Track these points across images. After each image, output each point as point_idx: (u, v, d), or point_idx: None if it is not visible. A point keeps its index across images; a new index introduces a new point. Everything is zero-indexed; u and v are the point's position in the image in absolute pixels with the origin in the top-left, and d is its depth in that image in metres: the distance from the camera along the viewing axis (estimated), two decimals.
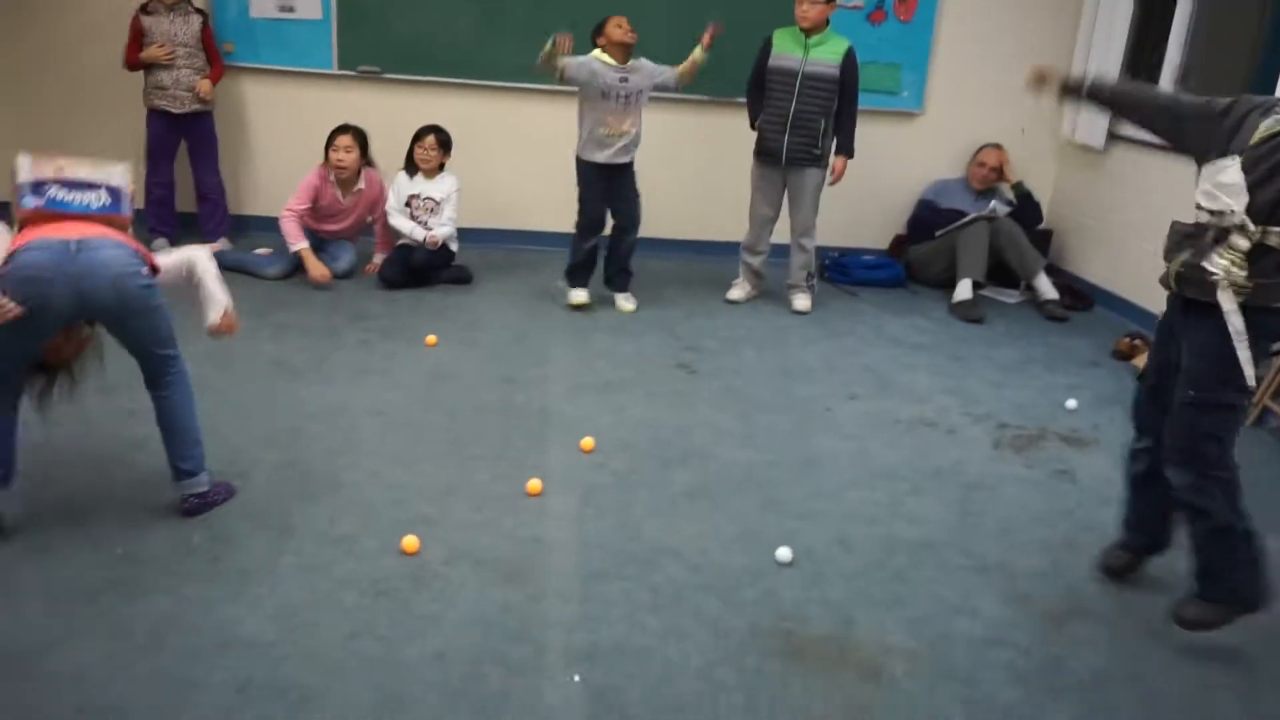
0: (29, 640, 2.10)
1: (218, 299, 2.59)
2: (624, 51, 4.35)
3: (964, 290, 5.07)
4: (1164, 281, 2.38)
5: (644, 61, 4.44)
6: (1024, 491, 3.14)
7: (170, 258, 2.59)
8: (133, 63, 4.86)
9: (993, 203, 5.39)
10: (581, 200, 4.55)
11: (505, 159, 5.54)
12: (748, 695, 2.10)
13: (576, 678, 2.11)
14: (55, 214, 2.40)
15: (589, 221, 4.55)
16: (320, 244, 4.87)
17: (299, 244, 4.70)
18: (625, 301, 4.68)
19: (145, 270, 2.44)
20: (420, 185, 4.82)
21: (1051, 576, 2.65)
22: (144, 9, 4.86)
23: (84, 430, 3.03)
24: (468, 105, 5.42)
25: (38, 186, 2.37)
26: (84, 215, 2.43)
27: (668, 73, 4.48)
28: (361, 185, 4.85)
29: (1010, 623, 2.43)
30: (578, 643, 2.23)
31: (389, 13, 5.29)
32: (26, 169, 2.38)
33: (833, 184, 4.77)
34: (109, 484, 2.76)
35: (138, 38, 4.84)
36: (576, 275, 4.63)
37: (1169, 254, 2.34)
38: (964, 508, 2.99)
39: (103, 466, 2.85)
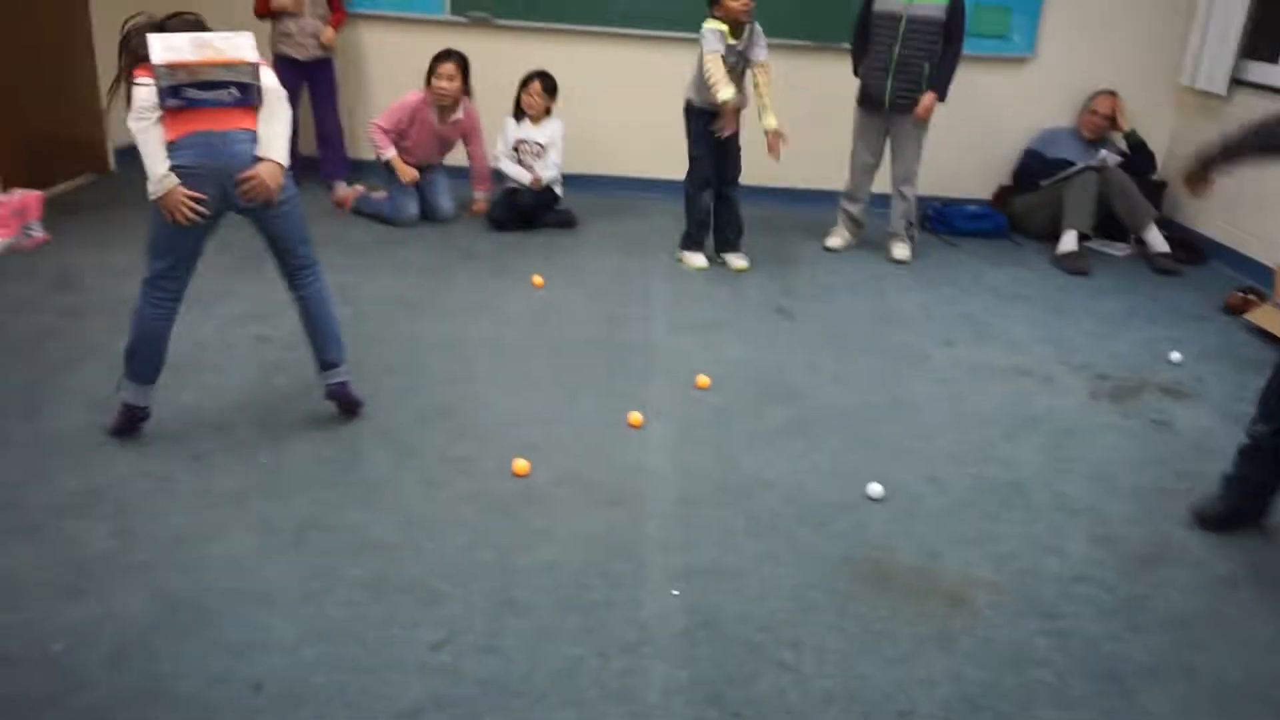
0: (190, 533, 2.36)
1: (269, 148, 2.65)
2: (743, 19, 4.20)
3: (1069, 242, 5.00)
4: None
5: (758, 30, 4.29)
6: (1119, 439, 3.16)
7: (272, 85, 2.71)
8: (263, 12, 5.10)
9: (1102, 152, 5.27)
10: (691, 154, 4.49)
11: (610, 105, 5.64)
12: (836, 615, 2.23)
13: (675, 592, 2.27)
14: (194, 110, 2.56)
15: (699, 175, 4.49)
16: (419, 181, 5.00)
17: (388, 151, 4.85)
18: (738, 260, 4.60)
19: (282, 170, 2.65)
20: (527, 130, 4.97)
21: (1142, 521, 2.69)
22: None
23: (229, 354, 3.30)
24: (575, 51, 5.53)
25: (175, 90, 2.53)
26: (219, 107, 2.59)
27: (762, 53, 4.31)
28: (459, 115, 4.95)
29: (1097, 562, 2.49)
30: (676, 562, 2.38)
31: None
32: (163, 72, 2.50)
33: (917, 117, 4.70)
34: (253, 402, 3.02)
35: None
36: (693, 239, 4.60)
37: None
38: (1056, 453, 3.03)
39: (247, 387, 3.11)
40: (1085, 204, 5.09)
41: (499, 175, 5.04)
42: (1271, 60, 4.99)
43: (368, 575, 2.26)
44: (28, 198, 4.24)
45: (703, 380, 3.33)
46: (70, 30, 5.10)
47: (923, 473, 2.87)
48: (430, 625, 2.11)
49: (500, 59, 5.31)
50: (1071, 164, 5.28)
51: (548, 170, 4.93)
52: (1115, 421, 3.29)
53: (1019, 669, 2.10)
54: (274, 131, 2.66)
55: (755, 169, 5.29)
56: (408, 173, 4.86)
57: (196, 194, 2.57)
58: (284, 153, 2.68)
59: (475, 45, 5.40)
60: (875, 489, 2.72)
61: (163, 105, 2.55)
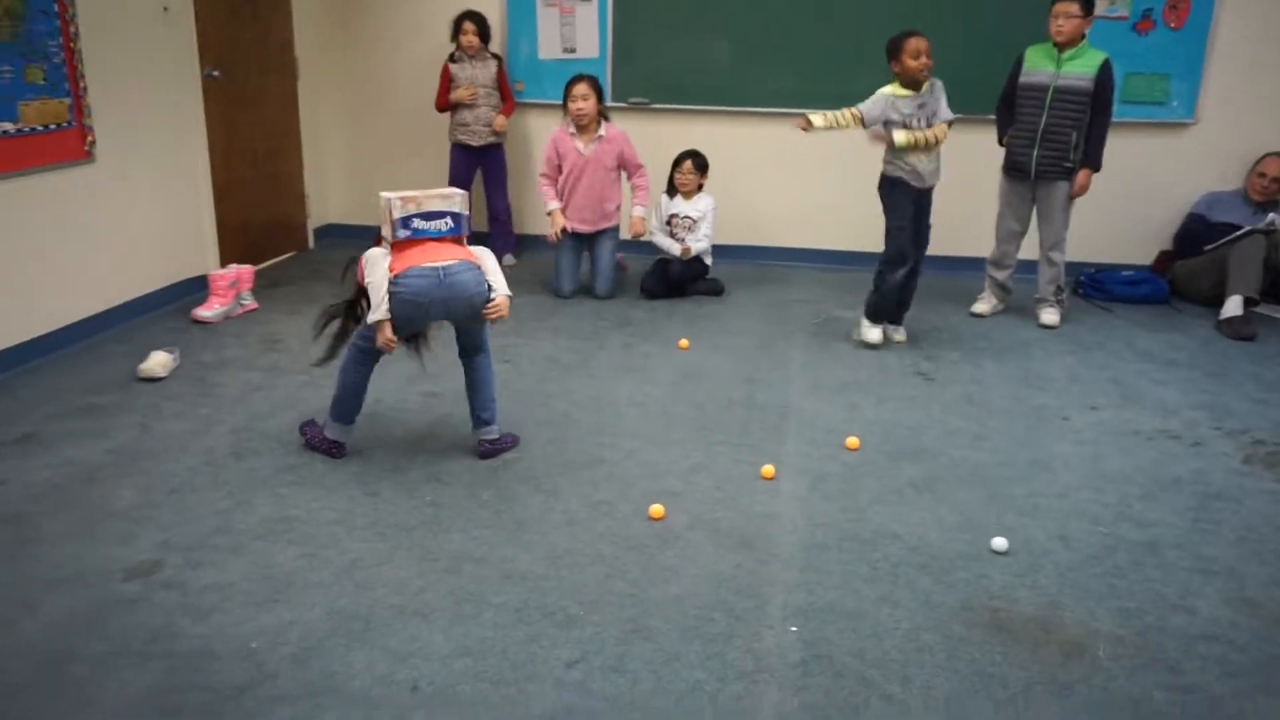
0: (363, 558, 2.68)
1: (500, 287, 3.19)
2: (921, 76, 4.19)
3: (1234, 306, 4.85)
4: None
5: (938, 85, 4.28)
6: (1270, 505, 3.07)
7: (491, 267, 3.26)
8: (443, 105, 5.68)
9: (1271, 215, 5.10)
10: (889, 227, 4.36)
11: (757, 179, 5.92)
12: (948, 657, 2.30)
13: (793, 629, 2.40)
14: (419, 241, 3.15)
15: (897, 250, 4.33)
16: (587, 248, 5.29)
17: (551, 203, 5.17)
18: (897, 334, 4.58)
19: (486, 287, 3.14)
20: (679, 205, 5.28)
21: None
22: (452, 58, 5.68)
23: (403, 408, 3.70)
24: (725, 129, 5.86)
25: (405, 221, 3.13)
26: (438, 238, 3.17)
27: (946, 112, 4.28)
28: (602, 133, 5.11)
29: (1230, 623, 2.45)
30: (796, 601, 2.52)
31: (656, 50, 5.84)
32: (398, 208, 3.12)
33: (1073, 196, 4.74)
34: (421, 449, 3.37)
35: (447, 83, 5.65)
36: (880, 312, 4.47)
37: None
38: (1198, 515, 2.98)
39: (416, 436, 3.48)
40: (1252, 268, 4.93)
41: (652, 247, 5.35)
42: None
43: (513, 601, 2.51)
44: (242, 271, 4.87)
45: (852, 442, 3.45)
46: (282, 128, 5.84)
47: (1052, 530, 2.89)
48: (566, 646, 2.33)
49: (657, 138, 5.68)
50: (1237, 228, 5.14)
51: (698, 242, 5.21)
52: (1269, 487, 3.19)
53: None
54: (498, 274, 3.22)
55: None
56: (555, 224, 5.14)
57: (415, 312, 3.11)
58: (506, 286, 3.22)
59: (634, 127, 5.80)
60: (1000, 543, 2.78)
61: (395, 236, 3.13)
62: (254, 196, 5.57)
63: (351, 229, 6.26)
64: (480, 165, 5.82)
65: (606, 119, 5.20)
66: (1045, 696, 2.18)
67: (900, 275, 4.36)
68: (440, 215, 3.19)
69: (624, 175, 5.28)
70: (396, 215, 3.12)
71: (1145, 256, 5.70)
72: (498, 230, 5.93)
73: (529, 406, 3.72)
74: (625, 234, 5.38)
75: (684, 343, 4.48)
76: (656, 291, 5.22)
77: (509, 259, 5.92)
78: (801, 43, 5.68)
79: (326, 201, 6.31)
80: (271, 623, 2.40)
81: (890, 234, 4.35)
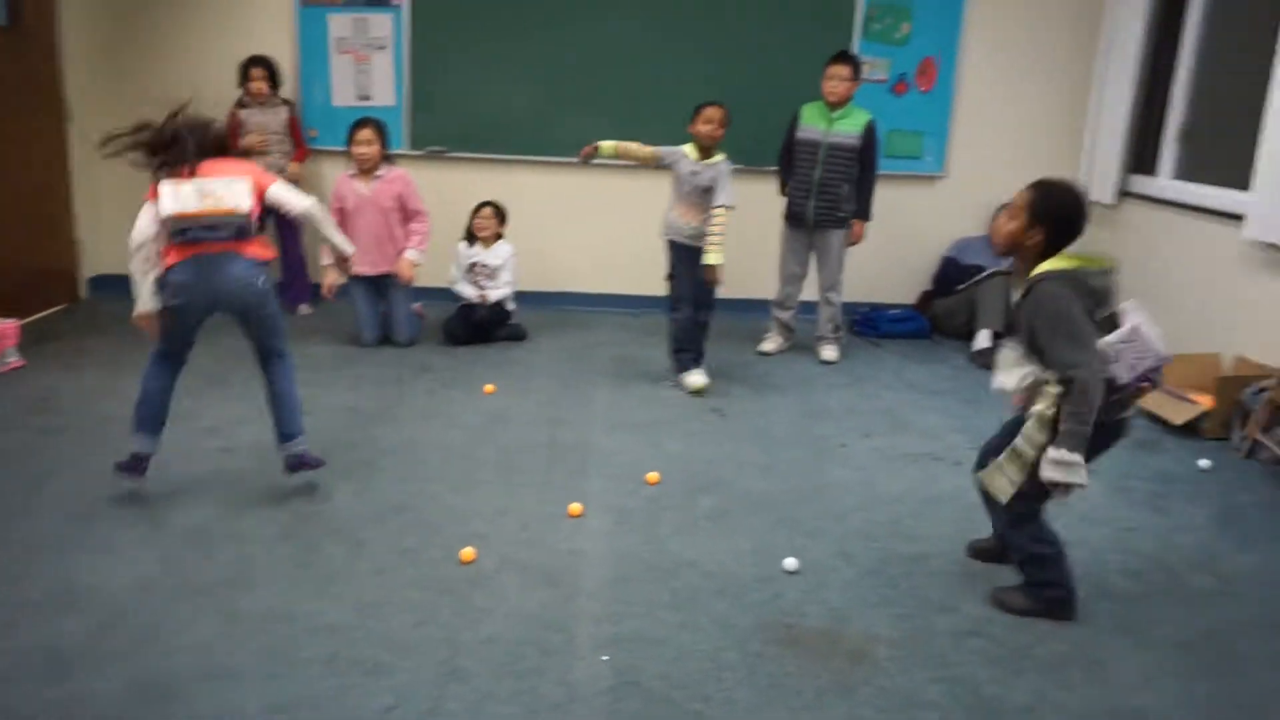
0: (163, 624, 2.57)
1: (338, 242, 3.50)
2: (709, 143, 4.48)
3: (983, 340, 5.42)
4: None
5: (723, 165, 4.50)
6: None
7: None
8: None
9: (1010, 258, 5.74)
10: (668, 278, 4.69)
11: (558, 227, 6.08)
12: (748, 673, 2.48)
13: (604, 658, 2.51)
14: (194, 244, 3.11)
15: (675, 296, 4.66)
16: (382, 296, 5.23)
17: (325, 259, 4.88)
18: (696, 377, 4.68)
19: (263, 279, 3.15)
20: (479, 254, 5.35)
21: None
22: (239, 103, 5.53)
23: (195, 465, 3.56)
24: (525, 178, 6.00)
25: (182, 231, 3.09)
26: (217, 242, 3.13)
27: (722, 195, 4.43)
28: (381, 173, 5.13)
29: (988, 619, 2.77)
30: (604, 632, 2.63)
31: (455, 98, 5.91)
32: (170, 219, 3.05)
33: (850, 245, 5.19)
34: (217, 506, 3.25)
35: (235, 129, 5.50)
36: (686, 355, 4.69)
37: None
38: (959, 527, 3.32)
39: (211, 493, 3.35)
40: (996, 305, 5.53)
41: (454, 294, 5.38)
42: (1151, 174, 5.54)
43: (324, 654, 2.48)
44: (5, 327, 4.52)
45: (652, 477, 3.61)
46: (49, 170, 5.48)
47: (834, 549, 3.15)
48: (380, 693, 2.33)
49: (457, 187, 5.75)
50: (983, 269, 5.75)
51: (499, 290, 5.30)
52: None
53: (910, 711, 2.35)
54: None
55: None
56: (326, 280, 4.85)
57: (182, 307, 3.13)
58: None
59: (433, 176, 5.85)
60: (790, 563, 3.00)
61: (171, 241, 3.10)
62: (17, 244, 5.19)
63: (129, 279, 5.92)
64: (272, 214, 5.66)
65: (390, 162, 5.24)
66: (835, 699, 2.38)
67: (681, 316, 4.64)
68: (219, 228, 3.13)
69: None
70: (169, 228, 3.08)
71: (909, 296, 6.27)
72: (292, 279, 5.79)
73: (331, 456, 3.65)
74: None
75: (489, 387, 4.54)
76: (460, 337, 5.26)
77: (304, 308, 5.79)
78: (601, 93, 5.92)
79: (102, 250, 5.94)
80: (60, 697, 2.26)
81: (670, 282, 4.73)
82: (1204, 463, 4.00)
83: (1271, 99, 4.33)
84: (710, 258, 4.42)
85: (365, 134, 5.09)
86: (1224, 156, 4.98)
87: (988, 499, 2.89)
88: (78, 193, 5.70)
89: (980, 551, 3.13)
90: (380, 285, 5.26)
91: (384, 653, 2.49)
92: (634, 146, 4.58)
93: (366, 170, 5.14)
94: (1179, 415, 4.37)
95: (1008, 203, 6.01)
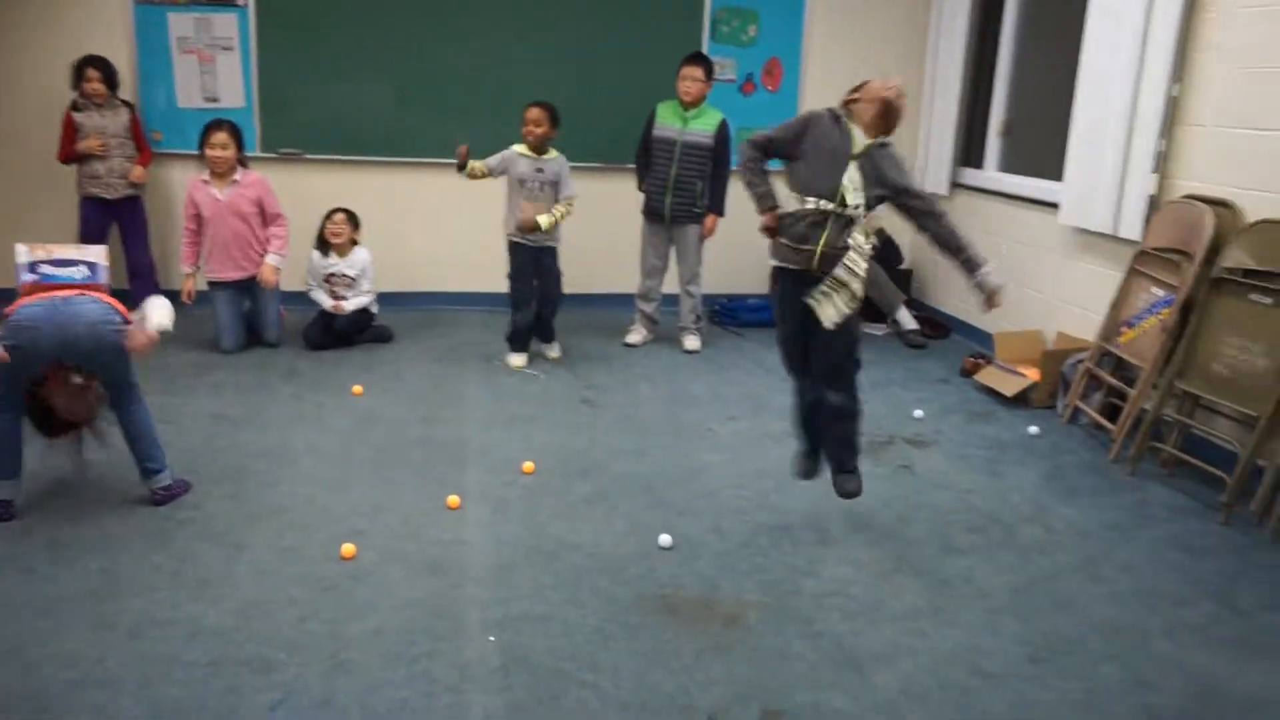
0: (26, 639, 2.49)
1: (153, 321, 3.14)
2: (536, 142, 4.83)
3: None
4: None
5: (560, 159, 4.91)
6: (870, 483, 3.68)
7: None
8: (68, 156, 5.27)
9: None
10: (510, 277, 5.01)
11: (418, 227, 6.07)
12: (631, 642, 2.60)
13: (491, 639, 2.59)
14: (47, 285, 3.04)
15: (517, 297, 4.99)
16: (246, 298, 5.17)
17: (186, 267, 5.12)
18: (551, 350, 5.20)
19: (119, 320, 3.04)
20: (335, 263, 5.28)
21: (883, 543, 3.23)
22: (74, 106, 5.29)
23: (54, 478, 3.42)
24: (383, 179, 5.95)
25: (33, 266, 3.05)
26: (70, 285, 3.07)
27: (567, 188, 4.93)
28: (238, 178, 5.07)
29: (847, 579, 2.99)
30: (491, 615, 2.71)
31: (307, 99, 5.82)
32: (24, 254, 3.03)
33: (703, 238, 5.39)
34: (82, 519, 3.15)
35: (71, 133, 5.25)
36: (515, 341, 5.09)
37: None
38: (816, 499, 3.55)
39: (74, 506, 3.24)
40: None
41: (310, 301, 5.29)
42: (979, 166, 5.98)
43: (206, 656, 2.47)
44: None
45: (528, 466, 3.70)
46: None
47: (707, 524, 3.32)
48: (268, 690, 2.34)
49: (313, 190, 5.65)
50: None
51: (358, 298, 5.24)
52: (868, 469, 3.83)
53: (780, 664, 2.53)
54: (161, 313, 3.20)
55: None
56: (184, 287, 5.09)
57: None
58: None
59: (288, 179, 5.73)
60: (665, 540, 3.15)
61: (20, 280, 3.05)
62: None
63: None
64: (116, 219, 5.45)
65: (245, 166, 5.17)
66: (712, 659, 2.54)
67: (520, 313, 5.02)
68: (74, 263, 3.13)
69: None
70: (23, 260, 3.07)
71: (765, 286, 6.54)
72: (140, 286, 5.56)
73: (199, 464, 3.60)
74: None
75: (358, 389, 4.52)
76: (321, 343, 5.18)
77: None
78: (454, 93, 5.94)
79: None
80: None
81: (509, 280, 5.04)
82: (1033, 429, 4.37)
83: (1078, 96, 4.77)
84: (543, 219, 4.84)
85: (220, 137, 5.01)
86: (1040, 150, 5.44)
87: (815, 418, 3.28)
88: None
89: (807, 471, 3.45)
90: (243, 289, 5.16)
91: (269, 651, 2.50)
92: (479, 164, 4.87)
93: (221, 174, 5.04)
94: (1010, 388, 4.76)
95: None
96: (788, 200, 3.18)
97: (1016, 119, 5.81)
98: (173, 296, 5.72)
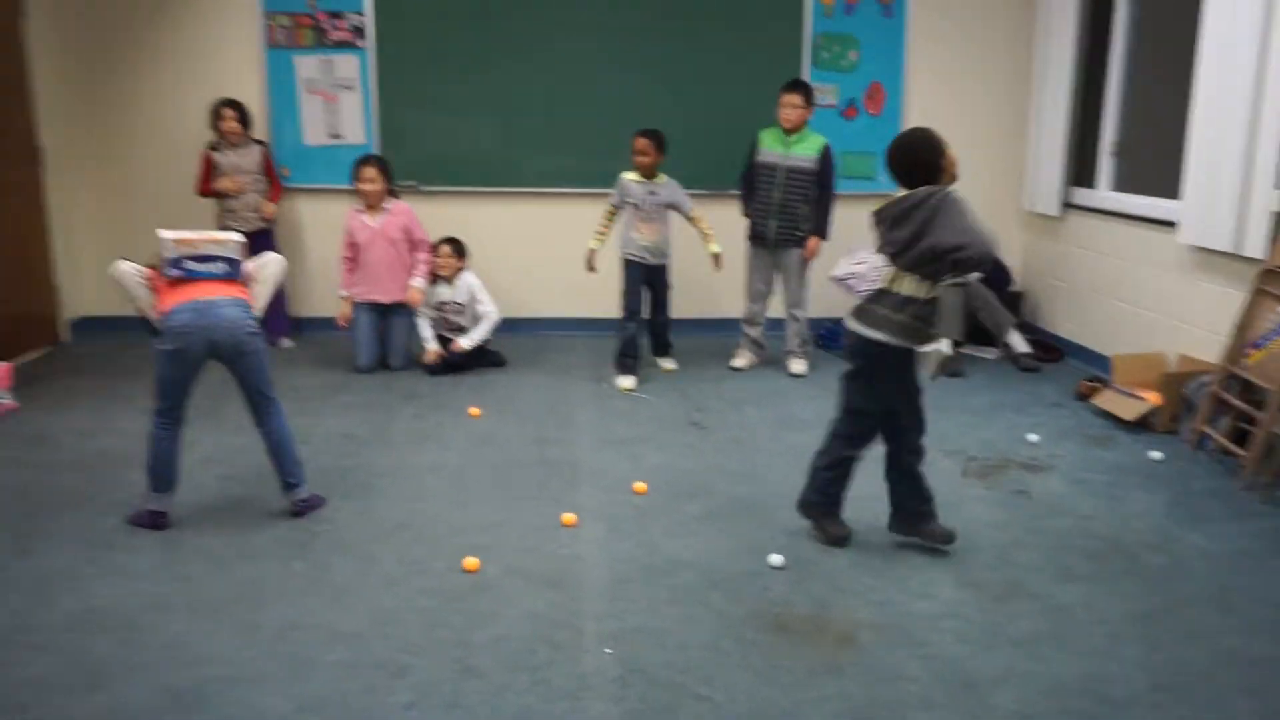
0: (184, 638, 2.69)
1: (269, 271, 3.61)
2: (645, 169, 5.17)
3: (944, 349, 5.66)
4: None
5: (671, 182, 5.28)
6: (984, 507, 3.70)
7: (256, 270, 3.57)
8: (205, 192, 5.65)
9: None
10: (623, 293, 5.29)
11: (529, 256, 6.28)
12: (744, 657, 2.66)
13: (608, 650, 2.68)
14: (190, 280, 3.30)
15: (629, 311, 5.26)
16: (381, 324, 5.47)
17: (342, 291, 5.44)
18: (667, 363, 5.52)
19: (253, 322, 3.33)
20: (445, 292, 5.50)
21: (999, 568, 3.20)
22: (212, 145, 5.67)
23: (200, 492, 3.68)
24: (495, 210, 6.19)
25: (176, 262, 3.29)
26: (211, 280, 3.32)
27: (687, 204, 5.30)
28: (388, 207, 5.43)
29: (961, 601, 2.98)
30: (608, 628, 2.80)
31: (423, 135, 6.10)
32: (170, 246, 3.28)
33: (806, 259, 5.42)
34: (225, 528, 3.38)
35: (209, 169, 5.63)
36: (624, 363, 5.26)
37: None
38: None
39: (218, 518, 3.48)
40: (954, 316, 5.79)
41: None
42: (1091, 186, 5.87)
43: (344, 659, 2.62)
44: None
45: (640, 486, 3.80)
46: (26, 217, 5.58)
47: (817, 546, 3.35)
48: (402, 691, 2.48)
49: (429, 221, 5.89)
50: None
51: (483, 321, 5.45)
52: (981, 494, 3.84)
53: (894, 685, 2.54)
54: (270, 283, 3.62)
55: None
56: (342, 311, 5.44)
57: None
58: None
59: None
60: (776, 559, 3.19)
61: (167, 277, 3.29)
62: None
63: (111, 320, 5.99)
64: (251, 251, 5.79)
65: (395, 196, 5.50)
66: (824, 677, 2.57)
67: (631, 328, 5.25)
68: (213, 259, 3.36)
69: None
70: (168, 252, 3.30)
71: None
72: (272, 314, 5.90)
73: (331, 481, 3.81)
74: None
75: (474, 410, 4.70)
76: (438, 370, 5.39)
77: (286, 342, 5.92)
78: (563, 126, 6.15)
79: (82, 293, 6.03)
80: (94, 709, 2.38)
81: (622, 296, 5.31)
82: (1155, 454, 4.26)
83: (1195, 111, 4.66)
84: (714, 246, 5.28)
85: (369, 172, 5.38)
86: (1156, 168, 5.31)
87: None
88: (56, 238, 5.79)
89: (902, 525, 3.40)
90: (380, 312, 5.48)
91: (401, 655, 2.64)
92: (601, 223, 5.31)
93: (372, 205, 5.40)
94: (1130, 412, 4.64)
95: None
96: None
97: (1129, 137, 5.68)
98: (302, 324, 6.10)
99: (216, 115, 5.64)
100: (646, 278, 5.30)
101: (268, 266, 3.61)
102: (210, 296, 3.29)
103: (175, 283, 3.31)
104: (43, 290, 5.74)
